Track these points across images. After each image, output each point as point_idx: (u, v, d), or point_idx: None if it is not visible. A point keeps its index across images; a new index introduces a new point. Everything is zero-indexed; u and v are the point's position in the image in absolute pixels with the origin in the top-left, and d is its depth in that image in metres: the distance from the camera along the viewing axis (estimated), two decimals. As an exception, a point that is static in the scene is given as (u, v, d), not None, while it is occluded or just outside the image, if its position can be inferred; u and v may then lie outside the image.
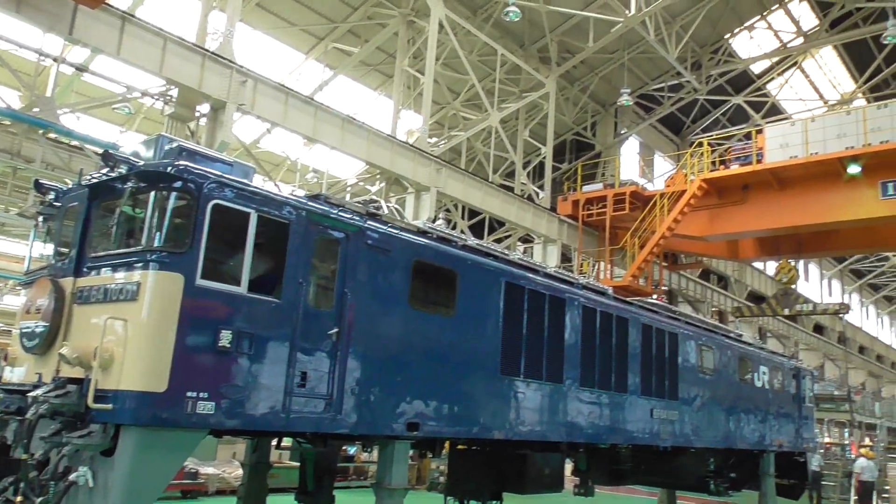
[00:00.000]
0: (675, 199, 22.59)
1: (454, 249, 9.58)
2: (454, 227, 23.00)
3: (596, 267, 25.10)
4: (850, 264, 52.91)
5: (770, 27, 32.15)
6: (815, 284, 50.50)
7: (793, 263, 24.18)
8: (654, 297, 20.69)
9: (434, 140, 26.50)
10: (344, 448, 13.79)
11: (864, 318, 59.64)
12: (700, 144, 23.23)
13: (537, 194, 25.42)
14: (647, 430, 12.65)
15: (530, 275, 10.61)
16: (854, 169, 20.44)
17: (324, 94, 26.31)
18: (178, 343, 6.50)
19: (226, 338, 6.81)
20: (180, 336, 6.51)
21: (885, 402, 47.08)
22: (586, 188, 25.32)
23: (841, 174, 20.70)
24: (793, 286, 24.52)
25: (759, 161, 21.64)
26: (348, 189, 24.83)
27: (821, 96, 36.98)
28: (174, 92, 15.48)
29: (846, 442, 36.23)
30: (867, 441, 37.82)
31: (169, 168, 6.97)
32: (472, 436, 9.39)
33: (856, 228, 22.84)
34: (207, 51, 15.35)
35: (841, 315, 26.37)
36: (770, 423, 17.23)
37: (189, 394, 6.51)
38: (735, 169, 22.20)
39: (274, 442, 9.57)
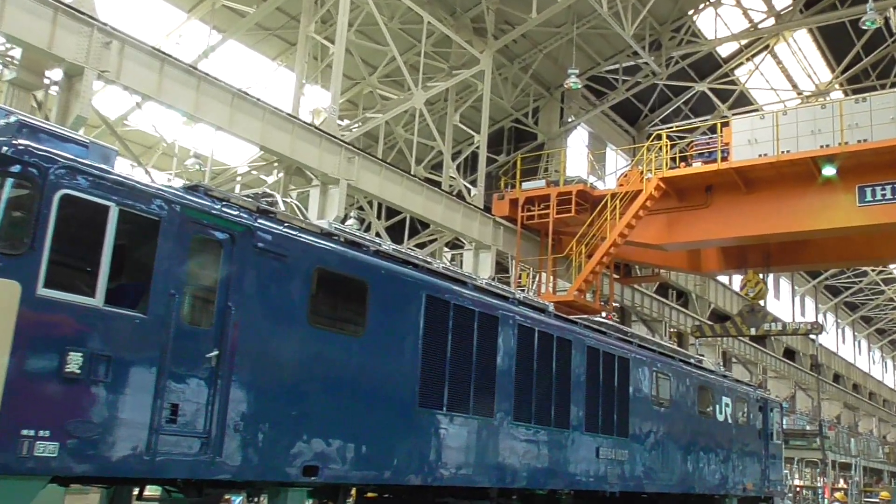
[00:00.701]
0: (630, 201, 23.06)
1: (366, 256, 9.62)
2: (368, 229, 22.87)
3: (536, 279, 25.39)
4: (824, 280, 55.70)
5: (739, 4, 33.57)
6: (787, 303, 52.91)
7: (761, 277, 24.99)
8: (603, 315, 21.24)
9: (345, 123, 26.39)
10: (227, 497, 13.57)
11: (840, 341, 62.87)
12: (658, 137, 23.80)
13: (469, 191, 25.57)
14: (593, 473, 12.94)
15: (457, 287, 10.70)
16: (829, 171, 21.15)
17: (210, 63, 25.86)
18: (12, 368, 6.31)
19: (75, 361, 6.62)
20: (15, 359, 6.33)
21: (862, 438, 49.51)
22: (526, 185, 25.59)
23: (815, 176, 21.43)
24: (760, 302, 25.48)
25: (724, 158, 22.32)
26: (238, 180, 24.46)
27: (794, 86, 38.81)
28: (16, 52, 14.90)
29: (819, 485, 37.89)
30: (842, 483, 39.61)
31: (4, 148, 6.72)
32: (384, 481, 9.41)
33: (831, 239, 23.66)
34: (61, 3, 14.85)
35: (814, 336, 27.76)
36: (733, 462, 17.89)
37: (25, 432, 6.31)
38: (697, 167, 22.80)
39: (136, 491, 9.30)
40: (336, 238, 9.51)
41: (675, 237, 23.49)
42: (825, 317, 58.57)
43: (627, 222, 22.55)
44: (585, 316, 16.60)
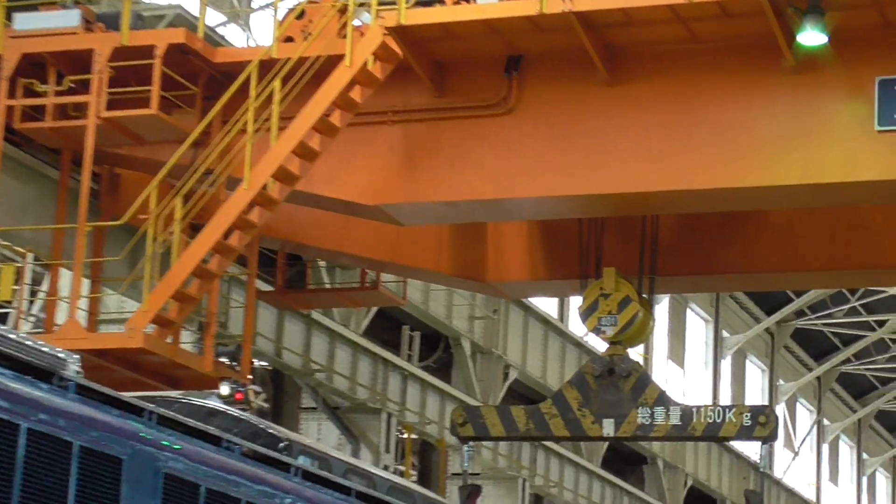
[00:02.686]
0: (311, 85, 13.47)
1: None
2: None
3: (42, 286, 16.00)
4: (792, 319, 36.06)
5: None
6: (698, 367, 34.52)
7: (641, 297, 14.89)
8: (225, 390, 13.01)
9: None
10: None
11: (826, 461, 41.59)
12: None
13: None
14: None
15: None
16: (812, 35, 13.25)
17: None
18: None
19: None
20: None
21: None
22: (21, 22, 13.93)
23: (780, 52, 13.42)
24: (634, 355, 15.10)
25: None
26: None
27: None
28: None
29: None
30: None
31: None
32: None
33: (806, 213, 15.19)
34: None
35: (757, 450, 16.02)
36: None
37: None
38: (486, 3, 14.20)
39: None
40: None
41: (423, 190, 14.30)
42: (789, 407, 38.88)
43: (300, 141, 13.29)
44: (177, 394, 11.69)
